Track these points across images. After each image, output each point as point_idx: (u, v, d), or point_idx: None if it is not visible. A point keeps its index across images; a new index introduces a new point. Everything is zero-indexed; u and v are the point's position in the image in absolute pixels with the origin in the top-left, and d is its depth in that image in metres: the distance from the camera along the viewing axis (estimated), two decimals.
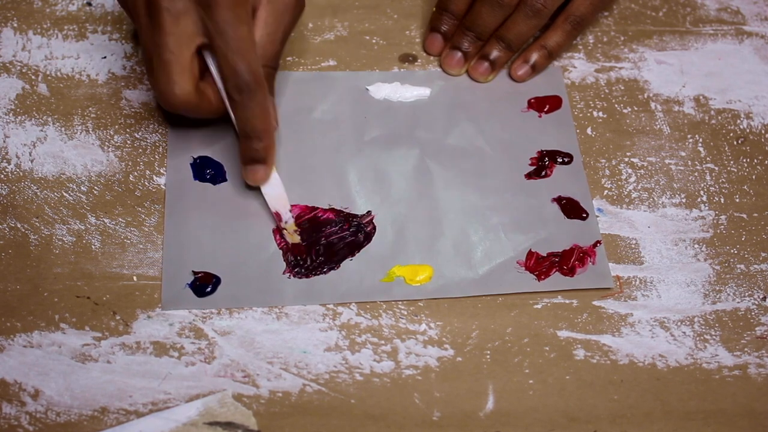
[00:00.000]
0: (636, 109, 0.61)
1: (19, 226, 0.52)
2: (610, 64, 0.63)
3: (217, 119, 0.54)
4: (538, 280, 0.52)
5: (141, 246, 0.52)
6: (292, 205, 0.53)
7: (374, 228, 0.53)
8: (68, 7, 0.62)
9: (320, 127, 0.58)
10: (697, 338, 0.51)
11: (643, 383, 0.49)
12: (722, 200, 0.57)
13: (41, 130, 0.56)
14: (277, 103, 0.56)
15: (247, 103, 0.49)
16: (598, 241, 0.54)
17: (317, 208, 0.54)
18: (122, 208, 0.53)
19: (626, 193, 0.57)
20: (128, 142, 0.56)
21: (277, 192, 0.53)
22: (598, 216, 0.55)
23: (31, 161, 0.54)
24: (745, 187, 0.57)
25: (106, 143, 0.56)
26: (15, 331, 0.48)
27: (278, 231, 0.53)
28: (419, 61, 0.62)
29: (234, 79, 0.48)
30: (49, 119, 0.56)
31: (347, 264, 0.52)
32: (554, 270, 0.53)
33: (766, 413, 0.49)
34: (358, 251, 0.52)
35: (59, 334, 0.49)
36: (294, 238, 0.52)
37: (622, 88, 0.61)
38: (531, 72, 0.61)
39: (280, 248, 0.52)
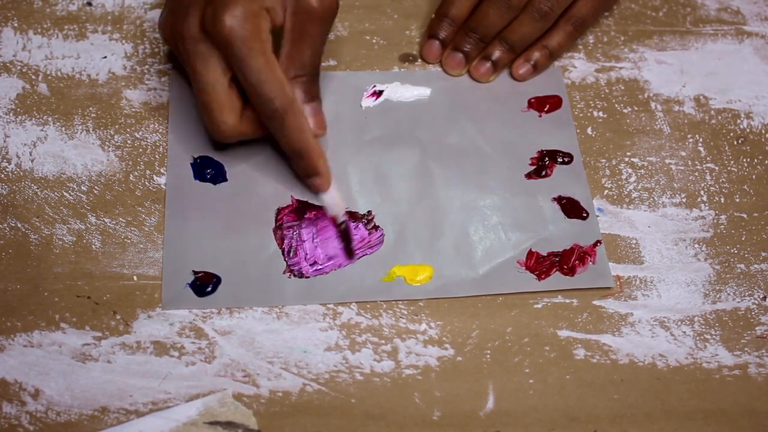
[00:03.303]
0: (636, 109, 0.60)
1: (19, 225, 0.52)
2: (610, 64, 0.63)
3: None
4: (538, 280, 0.52)
5: (141, 246, 0.52)
6: (292, 201, 0.53)
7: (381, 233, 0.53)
8: (68, 7, 0.62)
9: None
10: (697, 338, 0.51)
11: (643, 383, 0.49)
12: (722, 200, 0.57)
13: (41, 130, 0.56)
14: None
15: (279, 129, 0.50)
16: (599, 241, 0.54)
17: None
18: (122, 207, 0.53)
19: (626, 192, 0.57)
20: (128, 142, 0.56)
21: (332, 198, 0.53)
22: (598, 216, 0.55)
23: (32, 161, 0.54)
24: (745, 186, 0.57)
25: (107, 143, 0.56)
26: (15, 330, 0.48)
27: (276, 230, 0.53)
28: (419, 61, 0.62)
29: (261, 108, 0.49)
30: (50, 119, 0.56)
31: (347, 264, 0.52)
32: (554, 270, 0.53)
33: (766, 413, 0.49)
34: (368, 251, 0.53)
35: (59, 333, 0.49)
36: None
37: (622, 88, 0.61)
38: (532, 71, 0.61)
39: (280, 248, 0.52)
